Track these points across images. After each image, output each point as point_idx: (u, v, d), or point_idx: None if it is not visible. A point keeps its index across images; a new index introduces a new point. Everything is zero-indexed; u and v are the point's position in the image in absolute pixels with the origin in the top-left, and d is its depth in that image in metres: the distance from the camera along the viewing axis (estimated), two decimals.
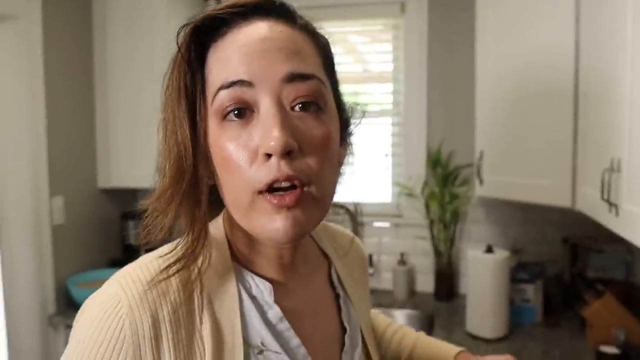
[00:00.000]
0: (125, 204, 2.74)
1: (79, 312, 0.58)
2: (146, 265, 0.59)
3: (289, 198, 0.53)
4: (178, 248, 0.59)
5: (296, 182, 0.54)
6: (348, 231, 0.88)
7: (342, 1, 2.47)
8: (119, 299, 0.55)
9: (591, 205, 1.50)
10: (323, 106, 0.58)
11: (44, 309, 2.26)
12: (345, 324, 0.70)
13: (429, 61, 2.42)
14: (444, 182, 2.39)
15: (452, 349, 0.92)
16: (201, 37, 0.59)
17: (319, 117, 0.57)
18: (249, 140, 0.55)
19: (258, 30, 0.57)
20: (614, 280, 2.03)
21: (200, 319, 0.58)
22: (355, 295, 0.76)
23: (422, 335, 0.99)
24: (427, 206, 2.41)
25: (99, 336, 0.54)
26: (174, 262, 0.58)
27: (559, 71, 1.71)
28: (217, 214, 0.67)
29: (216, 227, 0.66)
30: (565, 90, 1.69)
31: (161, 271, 0.57)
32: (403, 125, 2.49)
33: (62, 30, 2.30)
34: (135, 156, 2.48)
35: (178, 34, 0.58)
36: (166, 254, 0.59)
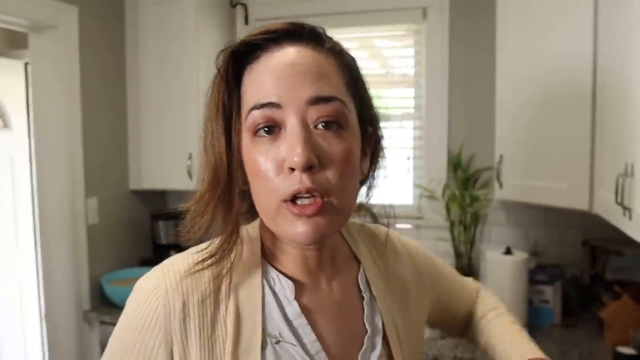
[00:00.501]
0: (155, 204, 2.85)
1: (132, 290, 0.69)
2: (186, 258, 0.69)
3: (309, 209, 0.60)
4: (212, 245, 0.68)
5: (315, 194, 0.60)
6: (384, 231, 0.88)
7: (367, 7, 2.54)
8: (158, 284, 0.66)
9: (607, 208, 1.54)
10: (344, 124, 0.63)
11: (79, 305, 2.38)
12: (367, 325, 0.73)
13: (450, 66, 2.48)
14: (464, 184, 2.43)
15: (528, 351, 0.88)
16: (238, 60, 0.66)
17: (340, 134, 0.63)
18: (276, 155, 0.61)
19: (287, 55, 0.63)
20: (632, 282, 2.06)
21: (226, 307, 0.66)
22: (382, 297, 0.77)
23: (510, 328, 0.96)
24: (448, 208, 2.46)
25: (140, 312, 0.65)
26: (208, 257, 0.67)
27: (577, 77, 1.75)
28: (257, 216, 0.73)
29: (254, 226, 0.74)
30: (583, 96, 1.73)
31: (196, 264, 0.67)
32: (424, 129, 2.54)
33: (97, 38, 2.41)
34: (165, 159, 2.58)
35: (217, 57, 0.66)
36: (203, 250, 0.68)
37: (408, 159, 2.60)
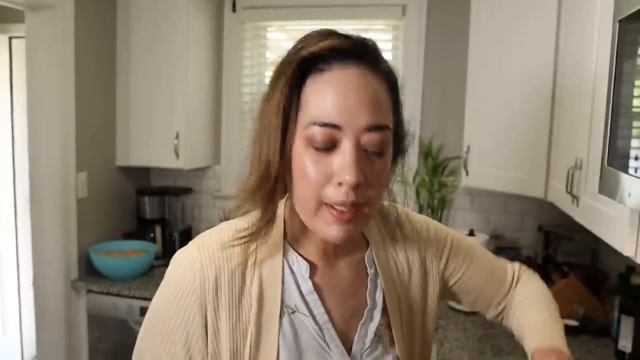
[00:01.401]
0: (140, 180, 2.97)
1: (171, 262, 0.80)
2: (219, 235, 0.80)
3: (346, 215, 0.69)
4: (249, 225, 0.77)
5: (354, 207, 0.69)
6: (394, 210, 0.94)
7: (349, 2, 2.69)
8: (195, 259, 0.76)
9: (559, 196, 1.75)
10: (386, 149, 0.72)
11: (67, 274, 2.49)
12: (369, 300, 0.83)
13: (425, 61, 2.66)
14: (433, 171, 2.63)
15: (541, 339, 0.90)
16: (302, 66, 0.71)
17: (381, 157, 0.71)
18: (327, 166, 0.69)
19: (352, 79, 0.70)
20: (580, 264, 2.30)
21: (251, 281, 0.77)
22: (387, 274, 0.86)
23: (535, 317, 0.97)
24: (418, 193, 2.65)
25: (180, 283, 0.76)
26: (245, 236, 0.77)
27: (540, 80, 1.94)
28: (281, 197, 0.80)
29: (279, 208, 0.81)
30: (544, 97, 1.92)
31: (234, 239, 0.77)
32: None
33: (90, 18, 2.50)
34: (151, 137, 2.71)
35: (283, 64, 0.72)
36: (237, 228, 0.79)
37: None
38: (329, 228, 0.70)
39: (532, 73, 1.99)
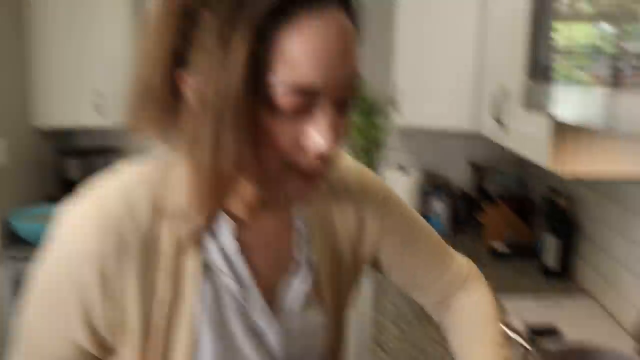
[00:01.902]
0: (62, 142, 2.82)
1: (59, 218, 0.65)
2: (120, 185, 0.66)
3: (317, 175, 0.62)
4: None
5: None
6: (339, 163, 0.82)
7: None
8: (89, 217, 0.63)
9: (488, 127, 1.79)
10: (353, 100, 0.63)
11: None
12: (296, 255, 0.75)
13: None
14: (365, 114, 2.63)
15: None
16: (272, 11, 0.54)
17: (348, 106, 0.61)
18: (297, 130, 0.58)
19: (331, 31, 0.56)
20: (510, 195, 2.39)
21: (165, 239, 0.66)
22: (317, 227, 0.78)
23: (478, 347, 0.86)
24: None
25: (72, 247, 0.63)
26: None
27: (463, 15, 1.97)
28: None
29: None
30: (471, 27, 1.95)
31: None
32: None
33: None
34: (71, 96, 2.57)
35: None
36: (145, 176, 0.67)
37: None
38: (296, 191, 0.62)
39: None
